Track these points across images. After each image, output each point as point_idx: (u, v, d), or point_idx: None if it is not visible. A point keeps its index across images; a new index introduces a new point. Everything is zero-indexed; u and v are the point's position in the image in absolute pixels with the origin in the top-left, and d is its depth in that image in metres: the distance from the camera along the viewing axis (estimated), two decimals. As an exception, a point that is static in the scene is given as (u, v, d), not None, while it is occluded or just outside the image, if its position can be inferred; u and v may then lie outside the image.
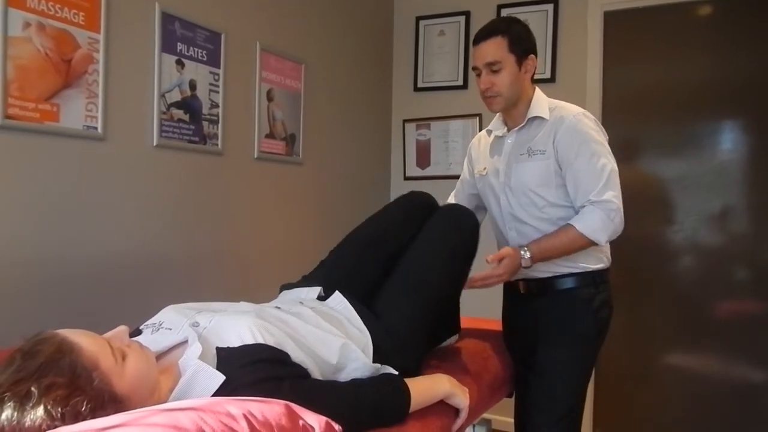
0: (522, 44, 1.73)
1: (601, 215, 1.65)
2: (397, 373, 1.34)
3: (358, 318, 1.42)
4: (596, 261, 1.76)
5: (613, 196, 1.66)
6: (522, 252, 1.67)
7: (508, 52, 1.71)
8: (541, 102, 1.77)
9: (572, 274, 1.75)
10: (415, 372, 1.46)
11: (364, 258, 1.64)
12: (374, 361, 1.33)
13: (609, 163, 1.69)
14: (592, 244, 1.67)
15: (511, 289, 1.91)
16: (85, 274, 1.88)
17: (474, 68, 1.78)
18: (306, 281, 1.62)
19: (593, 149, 1.68)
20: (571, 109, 1.74)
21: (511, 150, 1.80)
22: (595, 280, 1.76)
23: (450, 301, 1.77)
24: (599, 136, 1.71)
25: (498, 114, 1.89)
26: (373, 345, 1.37)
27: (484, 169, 1.90)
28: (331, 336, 1.29)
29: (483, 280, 1.69)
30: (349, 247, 1.69)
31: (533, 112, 1.76)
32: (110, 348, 0.96)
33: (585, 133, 1.69)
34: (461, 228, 1.67)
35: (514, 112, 1.80)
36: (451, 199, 2.09)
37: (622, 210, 1.68)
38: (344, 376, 1.28)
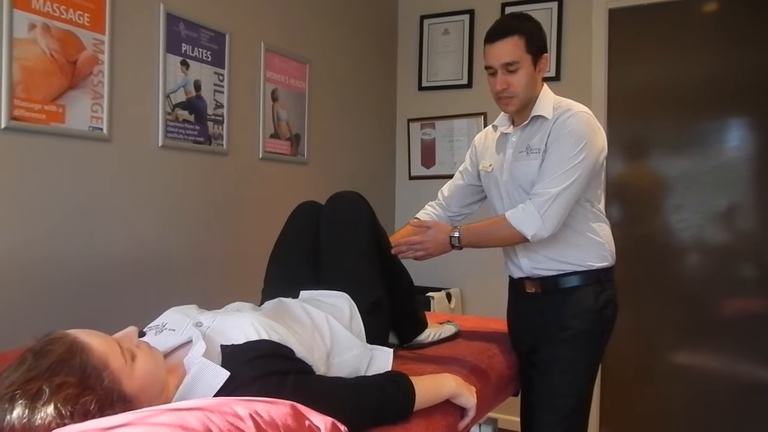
0: (537, 43, 1.69)
1: (531, 208, 1.61)
2: (390, 352, 1.40)
3: (327, 290, 1.52)
4: (601, 259, 1.75)
5: (556, 191, 1.59)
6: (452, 231, 1.68)
7: (525, 52, 1.67)
8: (545, 101, 1.74)
9: (577, 273, 1.74)
10: (387, 302, 1.58)
11: (296, 264, 1.69)
12: (361, 312, 1.46)
13: (576, 161, 1.61)
14: (522, 237, 1.63)
15: (515, 288, 1.90)
16: (91, 274, 1.89)
17: (488, 67, 1.73)
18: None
19: (571, 145, 1.62)
20: (573, 107, 1.70)
21: (514, 148, 1.78)
22: (599, 278, 1.75)
23: (383, 256, 1.74)
24: (588, 136, 1.64)
25: None
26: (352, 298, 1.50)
27: (490, 165, 1.87)
28: (317, 314, 1.38)
29: (406, 244, 1.70)
30: (278, 264, 1.73)
31: (536, 110, 1.73)
32: (120, 348, 0.97)
33: (570, 129, 1.64)
34: (345, 199, 1.71)
35: (524, 111, 1.77)
36: (446, 188, 2.06)
37: (559, 210, 1.60)
38: (337, 357, 1.32)
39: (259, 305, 1.63)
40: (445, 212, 2.04)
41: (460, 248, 1.70)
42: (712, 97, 2.86)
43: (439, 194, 2.08)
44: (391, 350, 1.42)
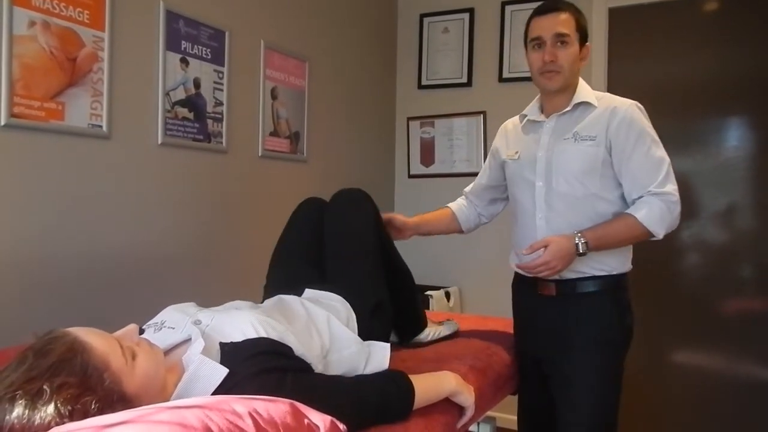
0: (584, 29, 1.69)
1: (661, 206, 1.60)
2: (388, 347, 1.40)
3: (330, 293, 1.52)
4: (621, 265, 1.70)
5: (674, 189, 1.62)
6: (576, 239, 1.58)
7: (575, 29, 1.66)
8: (587, 89, 1.73)
9: (596, 277, 1.67)
10: (391, 304, 1.59)
11: (297, 262, 1.70)
12: (357, 318, 1.47)
13: (665, 156, 1.64)
14: (649, 236, 1.61)
15: (527, 288, 1.79)
16: (90, 271, 1.88)
17: (535, 39, 1.68)
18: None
19: (650, 141, 1.63)
20: (624, 100, 1.69)
21: (552, 134, 1.71)
22: (619, 284, 1.70)
23: (387, 255, 1.75)
24: (652, 129, 1.67)
25: (536, 99, 1.81)
26: (349, 302, 1.50)
27: (516, 153, 1.80)
28: (318, 313, 1.38)
29: (532, 268, 1.60)
30: (280, 263, 1.73)
31: (580, 97, 1.69)
32: (120, 347, 0.97)
33: (641, 124, 1.64)
34: (349, 199, 1.72)
35: (558, 97, 1.71)
36: (470, 187, 2.02)
37: (680, 204, 1.63)
38: (335, 354, 1.32)
39: (261, 302, 1.64)
40: (475, 209, 2.00)
41: (584, 254, 1.59)
42: (712, 96, 2.86)
43: (465, 192, 2.04)
44: (389, 345, 1.41)
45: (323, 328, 1.35)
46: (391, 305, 1.61)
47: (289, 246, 1.74)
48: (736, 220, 2.83)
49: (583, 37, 1.69)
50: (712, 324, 2.85)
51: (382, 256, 1.67)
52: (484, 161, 2.04)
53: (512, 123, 1.90)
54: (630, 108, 1.66)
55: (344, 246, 1.65)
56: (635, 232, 1.61)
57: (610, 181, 1.66)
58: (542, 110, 1.78)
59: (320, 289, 1.55)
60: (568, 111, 1.70)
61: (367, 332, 1.46)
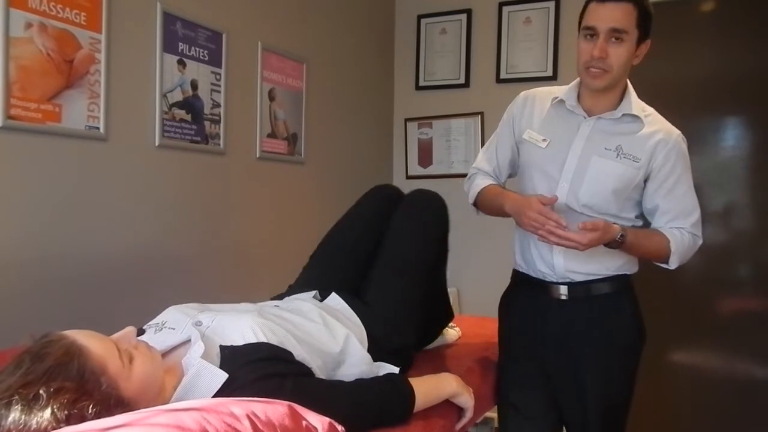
0: (647, 23, 1.50)
1: (690, 243, 1.59)
2: (397, 369, 1.36)
3: (354, 313, 1.46)
4: (633, 266, 1.66)
5: (701, 234, 1.62)
6: (619, 236, 1.48)
7: (635, 25, 1.47)
8: (635, 98, 1.59)
9: (609, 278, 1.61)
10: (416, 348, 1.53)
11: (345, 256, 1.67)
12: (373, 349, 1.39)
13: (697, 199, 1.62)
14: (664, 261, 1.59)
15: (533, 292, 1.67)
16: (88, 273, 1.88)
17: (588, 28, 1.49)
18: (294, 290, 1.62)
19: (690, 180, 1.61)
20: (671, 128, 1.59)
21: (589, 137, 1.57)
22: (627, 285, 1.65)
23: (435, 278, 1.71)
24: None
25: (574, 84, 1.63)
26: (370, 333, 1.43)
27: (544, 140, 1.62)
28: (336, 326, 1.34)
29: (560, 238, 1.44)
30: (328, 249, 1.71)
31: (628, 108, 1.56)
32: (118, 351, 0.96)
33: (687, 161, 1.60)
34: (431, 209, 1.68)
35: (603, 95, 1.57)
36: (485, 162, 1.79)
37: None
38: (345, 370, 1.30)
39: (295, 280, 1.64)
40: (499, 182, 1.79)
41: (612, 248, 1.52)
42: (709, 96, 2.87)
43: (480, 169, 1.79)
44: (398, 369, 1.37)
45: (340, 342, 1.31)
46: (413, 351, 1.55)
47: (341, 232, 1.72)
48: (733, 219, 2.83)
49: (645, 32, 1.51)
50: (710, 323, 2.85)
51: (434, 276, 1.63)
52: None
53: (539, 99, 1.69)
54: (678, 138, 1.58)
55: (398, 264, 1.57)
56: (658, 253, 1.59)
57: (632, 203, 1.62)
58: (579, 99, 1.62)
59: (349, 302, 1.48)
60: (613, 118, 1.57)
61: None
